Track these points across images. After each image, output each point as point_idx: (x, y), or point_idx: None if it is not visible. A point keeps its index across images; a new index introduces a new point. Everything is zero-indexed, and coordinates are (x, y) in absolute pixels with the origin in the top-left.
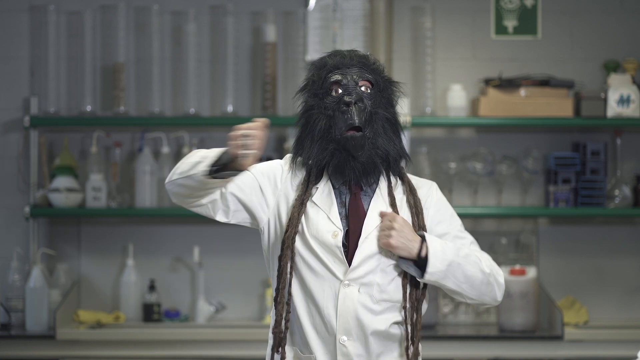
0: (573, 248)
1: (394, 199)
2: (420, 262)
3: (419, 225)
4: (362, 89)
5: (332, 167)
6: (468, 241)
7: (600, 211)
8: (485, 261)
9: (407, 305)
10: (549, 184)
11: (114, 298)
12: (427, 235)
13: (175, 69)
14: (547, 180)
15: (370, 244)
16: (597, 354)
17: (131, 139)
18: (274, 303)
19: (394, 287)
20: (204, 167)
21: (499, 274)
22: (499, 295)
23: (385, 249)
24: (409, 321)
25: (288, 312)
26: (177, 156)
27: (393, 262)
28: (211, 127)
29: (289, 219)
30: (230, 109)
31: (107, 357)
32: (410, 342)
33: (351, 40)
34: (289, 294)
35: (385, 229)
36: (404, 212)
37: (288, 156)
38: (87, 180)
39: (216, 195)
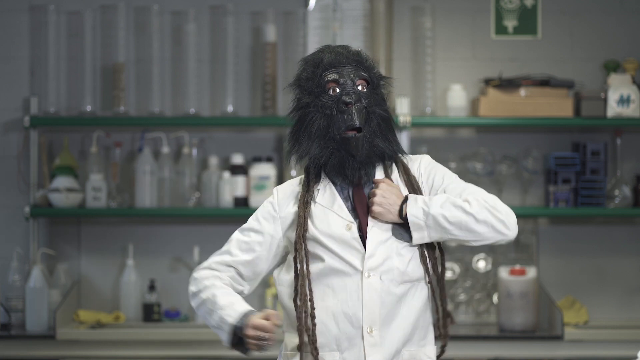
0: (573, 248)
1: (391, 180)
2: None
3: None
4: (359, 88)
5: (330, 166)
6: (460, 188)
7: (600, 211)
8: (474, 201)
9: (432, 280)
10: (549, 184)
11: (114, 298)
12: (409, 195)
13: (175, 69)
14: (547, 180)
15: (378, 230)
16: (597, 354)
17: (131, 139)
18: (293, 305)
19: (413, 267)
20: (225, 341)
21: (498, 210)
22: (504, 228)
23: (394, 228)
24: (437, 295)
25: (312, 308)
26: (177, 156)
27: (406, 243)
28: (211, 127)
29: (297, 221)
30: (230, 109)
31: (107, 357)
32: (441, 314)
33: (351, 40)
34: (310, 290)
35: (372, 196)
36: (403, 191)
37: (275, 189)
38: (87, 180)
39: (243, 288)
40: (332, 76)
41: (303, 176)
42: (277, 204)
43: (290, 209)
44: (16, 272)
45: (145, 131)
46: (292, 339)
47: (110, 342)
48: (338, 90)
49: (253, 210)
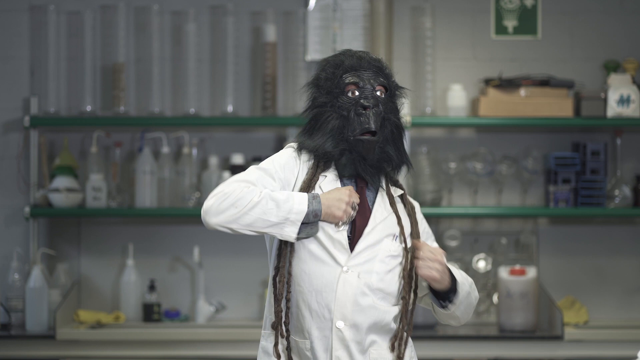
0: (573, 248)
1: (393, 198)
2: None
3: (416, 233)
4: (378, 93)
5: (341, 164)
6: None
7: (600, 211)
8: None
9: (406, 296)
10: (549, 184)
11: (114, 298)
12: (449, 266)
13: (175, 69)
14: (547, 180)
15: (375, 235)
16: (597, 354)
17: (131, 139)
18: (272, 282)
19: (390, 278)
20: (292, 233)
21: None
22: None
23: (386, 243)
24: (406, 310)
25: (288, 291)
26: (177, 156)
27: (392, 254)
28: (211, 127)
29: None
30: (230, 109)
31: (107, 357)
32: (402, 329)
33: (351, 40)
34: (289, 273)
35: (428, 259)
36: (403, 217)
37: (297, 150)
38: (87, 180)
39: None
40: (352, 79)
41: (299, 151)
42: (301, 163)
43: (303, 176)
44: (16, 272)
45: (145, 131)
46: (270, 316)
47: (110, 342)
48: (357, 93)
49: None
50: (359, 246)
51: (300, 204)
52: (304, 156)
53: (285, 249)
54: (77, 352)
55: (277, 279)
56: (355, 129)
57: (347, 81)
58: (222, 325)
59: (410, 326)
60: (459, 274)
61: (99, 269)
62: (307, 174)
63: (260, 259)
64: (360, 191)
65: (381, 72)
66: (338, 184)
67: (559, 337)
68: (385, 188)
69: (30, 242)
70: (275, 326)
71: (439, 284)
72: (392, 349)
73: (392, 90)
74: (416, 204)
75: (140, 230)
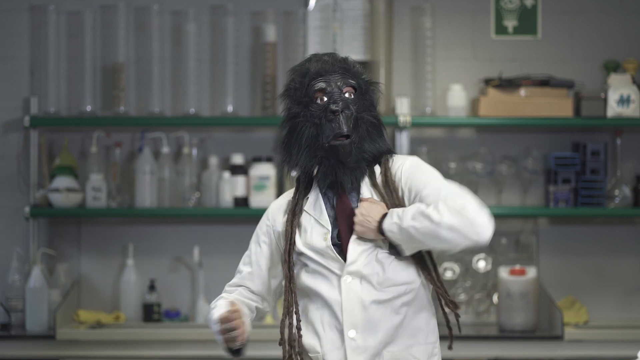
0: (573, 248)
1: (377, 186)
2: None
3: (393, 203)
4: (347, 95)
5: (321, 175)
6: (435, 192)
7: (600, 211)
8: (443, 208)
9: (424, 283)
10: (549, 184)
11: (114, 298)
12: (390, 211)
13: (175, 69)
14: (547, 180)
15: (360, 240)
16: (597, 354)
17: (131, 139)
18: (285, 316)
19: (393, 270)
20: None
21: (467, 213)
22: (473, 234)
23: (376, 241)
24: (437, 282)
25: (299, 320)
26: (177, 156)
27: (386, 250)
28: (211, 127)
29: (285, 235)
30: (230, 109)
31: (107, 357)
32: (443, 297)
33: (351, 40)
34: (296, 302)
35: (360, 215)
36: (385, 194)
37: (271, 204)
38: (87, 180)
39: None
40: (319, 85)
41: (275, 201)
42: (271, 217)
43: (282, 220)
44: (16, 272)
45: (145, 131)
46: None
47: (110, 342)
48: (325, 99)
49: (253, 210)
50: (350, 255)
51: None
52: (278, 203)
53: (287, 283)
54: (77, 352)
55: (286, 312)
56: (328, 136)
57: (314, 88)
58: None
59: (445, 299)
60: (402, 211)
61: (99, 269)
62: (286, 212)
63: None
64: (340, 201)
65: (348, 72)
66: (320, 200)
67: (559, 337)
68: (370, 181)
69: (30, 242)
70: (287, 341)
71: (368, 234)
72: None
73: (364, 88)
74: (407, 161)
75: (140, 230)
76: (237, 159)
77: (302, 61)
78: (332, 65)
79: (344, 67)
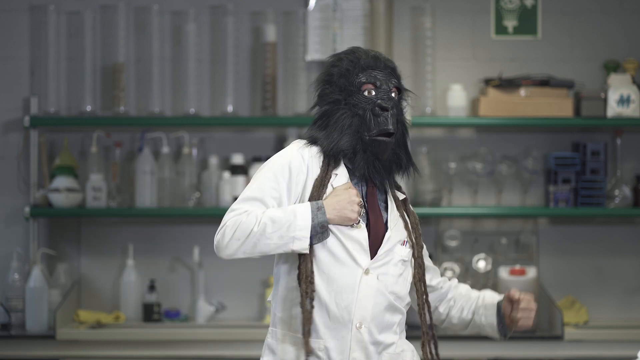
0: (573, 248)
1: (398, 200)
2: None
3: (415, 243)
4: (393, 95)
5: (355, 163)
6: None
7: (600, 211)
8: None
9: (422, 302)
10: (549, 184)
11: (114, 298)
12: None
13: (175, 69)
14: (547, 180)
15: (392, 238)
16: (597, 354)
17: (131, 139)
18: (297, 281)
19: (402, 282)
20: (302, 248)
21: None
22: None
23: (398, 247)
24: (424, 314)
25: (313, 290)
26: (177, 156)
27: (403, 258)
28: (211, 127)
29: (310, 198)
30: (230, 109)
31: (107, 357)
32: (427, 333)
33: (351, 40)
34: (312, 272)
35: (527, 310)
36: (402, 221)
37: (301, 149)
38: (87, 180)
39: None
40: (369, 78)
41: (306, 147)
42: (307, 160)
43: (317, 171)
44: (16, 272)
45: (145, 131)
46: (278, 314)
47: (110, 342)
48: (374, 93)
49: None
50: (382, 251)
51: (303, 219)
52: (312, 151)
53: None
54: (77, 352)
55: (301, 278)
56: (372, 130)
57: (363, 80)
58: (222, 325)
59: (433, 330)
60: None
61: (99, 269)
62: (320, 171)
63: (260, 259)
64: (371, 191)
65: (395, 73)
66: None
67: (559, 337)
68: (390, 191)
69: (30, 242)
70: (304, 325)
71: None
72: (425, 354)
73: (402, 93)
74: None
75: (140, 230)
76: (237, 159)
77: (346, 50)
78: (383, 62)
79: (392, 67)
